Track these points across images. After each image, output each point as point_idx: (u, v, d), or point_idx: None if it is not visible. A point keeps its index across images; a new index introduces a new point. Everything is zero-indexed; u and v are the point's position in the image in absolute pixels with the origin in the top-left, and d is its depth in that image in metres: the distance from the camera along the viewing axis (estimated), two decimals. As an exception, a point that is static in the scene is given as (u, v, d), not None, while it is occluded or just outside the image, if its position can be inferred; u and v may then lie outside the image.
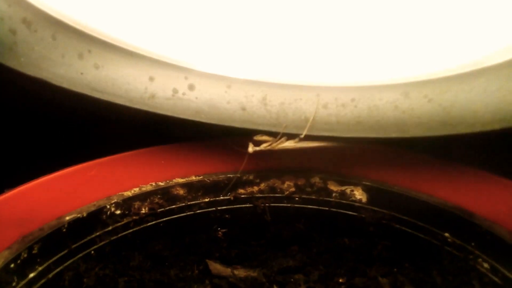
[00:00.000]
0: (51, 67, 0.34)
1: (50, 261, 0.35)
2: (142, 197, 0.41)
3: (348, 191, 0.43)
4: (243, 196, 0.44)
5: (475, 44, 0.32)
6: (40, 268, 0.35)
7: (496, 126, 0.32)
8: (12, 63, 0.32)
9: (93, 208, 0.39)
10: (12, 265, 0.33)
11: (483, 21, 0.30)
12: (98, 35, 0.37)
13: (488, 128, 0.33)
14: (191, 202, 0.43)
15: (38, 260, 0.35)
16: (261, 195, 0.44)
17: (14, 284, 0.33)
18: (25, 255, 0.34)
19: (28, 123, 0.50)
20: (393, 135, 0.38)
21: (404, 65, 0.37)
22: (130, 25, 0.37)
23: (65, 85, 0.35)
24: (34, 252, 0.35)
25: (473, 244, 0.38)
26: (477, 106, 0.33)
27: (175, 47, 0.40)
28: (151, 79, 0.40)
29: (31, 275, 0.34)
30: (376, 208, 0.42)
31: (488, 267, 0.36)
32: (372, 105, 0.39)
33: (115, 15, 0.36)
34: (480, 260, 0.37)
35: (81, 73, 0.36)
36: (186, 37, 0.39)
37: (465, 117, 0.34)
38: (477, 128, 0.33)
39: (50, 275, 0.35)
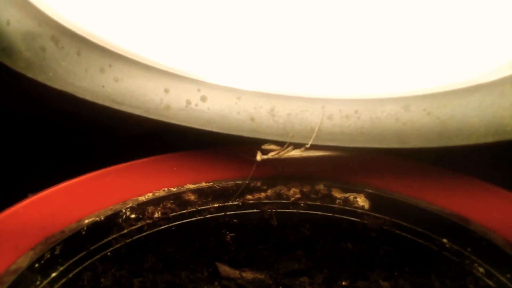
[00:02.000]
0: (76, 81, 0.36)
1: (70, 261, 0.37)
2: (155, 202, 0.42)
3: (351, 198, 0.44)
4: (251, 202, 0.45)
5: (471, 62, 0.34)
6: (61, 268, 0.36)
7: (490, 139, 0.34)
8: (41, 78, 0.34)
9: (110, 212, 0.40)
10: (36, 265, 0.35)
11: (479, 42, 0.32)
12: (118, 50, 0.38)
13: (483, 141, 0.34)
14: (202, 207, 0.44)
15: (60, 260, 0.36)
16: (268, 201, 0.45)
17: (38, 282, 0.34)
18: (48, 256, 0.36)
19: (51, 134, 0.51)
20: (394, 145, 0.39)
21: (405, 80, 0.39)
22: (147, 41, 0.39)
23: (88, 97, 0.37)
24: (56, 253, 0.36)
25: (469, 249, 0.39)
26: (473, 120, 0.34)
27: (189, 61, 0.41)
28: (166, 91, 0.41)
29: (53, 274, 0.36)
30: (378, 215, 0.43)
31: (484, 272, 0.37)
32: (374, 117, 0.40)
33: (134, 32, 0.37)
34: (476, 265, 0.38)
35: (102, 86, 0.38)
36: (199, 52, 0.40)
37: (461, 130, 0.35)
38: (473, 141, 0.35)
39: (70, 275, 0.37)
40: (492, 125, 0.33)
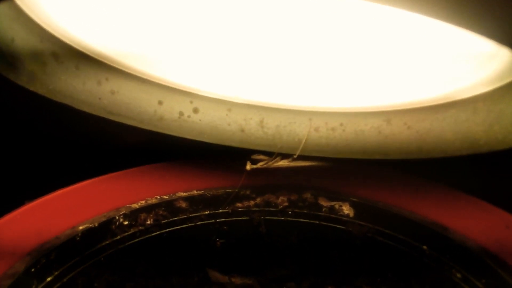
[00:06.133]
0: (74, 94, 0.37)
1: (65, 266, 0.38)
2: (148, 209, 0.43)
3: (336, 206, 0.45)
4: (240, 209, 0.45)
5: (447, 80, 0.36)
6: (56, 273, 0.37)
7: (464, 153, 0.35)
8: (42, 91, 0.35)
9: (103, 219, 0.41)
10: (32, 270, 0.35)
11: (454, 62, 0.34)
12: (115, 64, 0.39)
13: (458, 154, 0.36)
14: (193, 215, 0.44)
15: (55, 265, 0.37)
16: (257, 209, 0.45)
17: (34, 286, 0.35)
18: (44, 261, 0.36)
19: (47, 144, 0.52)
20: (377, 157, 0.40)
21: (387, 95, 0.40)
22: (142, 55, 0.40)
23: (85, 109, 0.38)
24: (51, 258, 0.37)
25: (447, 256, 0.40)
26: (449, 135, 0.36)
27: (182, 74, 0.42)
28: (160, 103, 0.42)
29: (49, 279, 0.36)
30: (362, 223, 0.44)
31: (461, 277, 0.39)
32: (358, 129, 0.41)
33: (130, 46, 0.39)
34: (453, 270, 0.39)
35: (99, 98, 0.39)
36: (192, 65, 0.42)
37: (438, 143, 0.36)
38: (448, 154, 0.36)
39: (65, 279, 0.37)
40: (466, 139, 0.35)
